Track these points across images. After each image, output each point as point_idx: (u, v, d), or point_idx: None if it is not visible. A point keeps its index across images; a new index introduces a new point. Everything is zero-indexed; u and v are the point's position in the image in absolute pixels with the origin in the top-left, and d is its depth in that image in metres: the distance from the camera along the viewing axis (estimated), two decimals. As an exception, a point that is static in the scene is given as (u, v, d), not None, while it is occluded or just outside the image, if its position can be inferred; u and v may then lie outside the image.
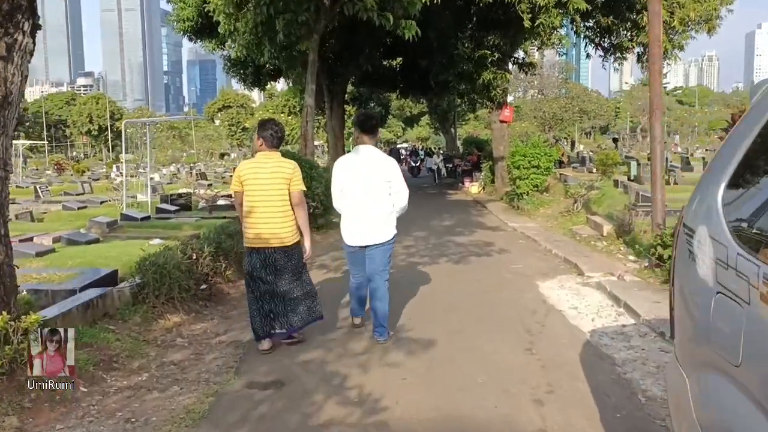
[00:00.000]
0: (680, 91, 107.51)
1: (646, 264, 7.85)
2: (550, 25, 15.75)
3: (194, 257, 7.02)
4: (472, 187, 21.76)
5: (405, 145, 61.08)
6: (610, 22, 17.06)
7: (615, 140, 25.83)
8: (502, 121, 18.87)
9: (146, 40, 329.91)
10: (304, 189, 5.25)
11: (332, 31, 17.42)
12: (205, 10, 16.50)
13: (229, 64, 24.54)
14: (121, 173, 32.31)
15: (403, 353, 5.09)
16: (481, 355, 5.00)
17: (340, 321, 6.10)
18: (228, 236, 8.01)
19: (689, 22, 16.21)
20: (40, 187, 20.96)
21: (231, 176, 28.77)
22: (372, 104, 36.27)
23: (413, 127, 67.04)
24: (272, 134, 5.15)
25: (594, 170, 20.82)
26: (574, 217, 12.23)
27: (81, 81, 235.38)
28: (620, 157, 19.98)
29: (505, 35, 17.45)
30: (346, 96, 27.57)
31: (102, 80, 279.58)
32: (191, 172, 29.91)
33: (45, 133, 71.01)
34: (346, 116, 29.64)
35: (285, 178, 5.04)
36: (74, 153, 73.51)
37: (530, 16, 15.11)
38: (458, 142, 39.52)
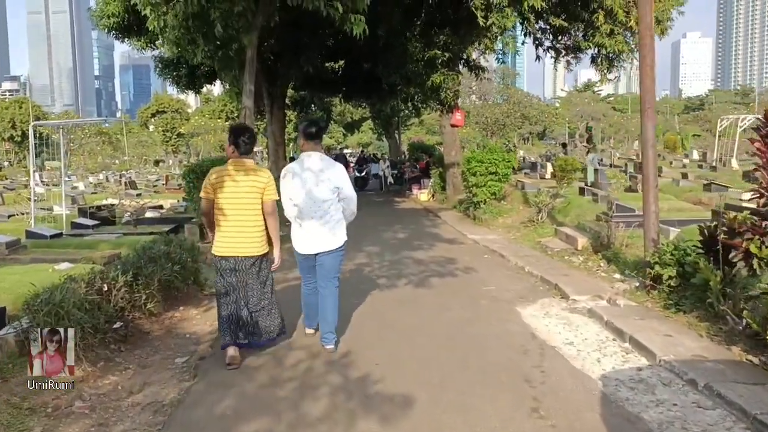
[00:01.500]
0: (612, 98, 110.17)
1: (637, 284, 6.92)
2: (502, 26, 14.91)
3: (105, 289, 5.68)
4: (422, 195, 20.79)
5: (348, 150, 59.53)
6: (560, 23, 16.28)
7: (564, 145, 25.36)
8: (453, 125, 17.95)
9: (75, 43, 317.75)
10: (278, 198, 5.12)
11: (272, 29, 16.12)
12: (132, 3, 14.97)
13: (161, 65, 22.99)
14: (42, 182, 29.97)
15: (375, 420, 3.91)
16: (477, 421, 3.86)
17: (289, 370, 4.89)
18: (150, 260, 6.65)
19: (646, 23, 15.61)
20: (-57, 201, 18.78)
21: (164, 185, 27.20)
22: (314, 108, 34.93)
23: (354, 133, 65.89)
24: (244, 141, 5.03)
25: (546, 176, 20.19)
26: (539, 229, 11.30)
27: (6, 85, 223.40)
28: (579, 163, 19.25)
29: (456, 34, 16.56)
30: (287, 100, 26.19)
31: (28, 84, 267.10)
32: (120, 181, 27.82)
33: (-36, 140, 66.53)
34: (286, 121, 28.23)
35: (259, 188, 4.96)
36: (-4, 160, 69.08)
37: (484, 14, 14.28)
38: (403, 148, 38.60)
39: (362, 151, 42.10)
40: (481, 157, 13.75)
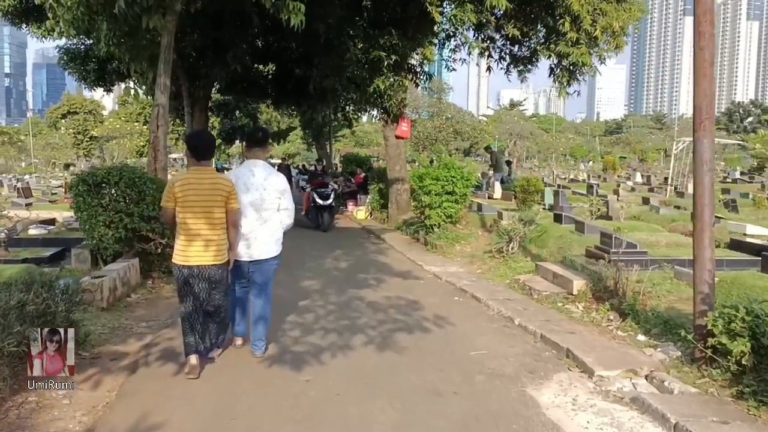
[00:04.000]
0: (535, 118, 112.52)
1: (678, 353, 5.19)
2: (461, 21, 13.24)
3: None
4: (358, 212, 18.84)
5: (274, 161, 56.66)
6: (515, 33, 14.64)
7: (509, 163, 24.08)
8: (398, 137, 16.11)
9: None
10: (239, 207, 4.98)
11: (195, 19, 13.88)
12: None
13: (66, 57, 20.32)
14: None
15: None
16: None
17: None
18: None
19: (612, 33, 14.32)
20: None
21: (64, 192, 23.95)
22: (239, 114, 32.41)
23: (280, 143, 63.29)
24: (204, 146, 4.99)
25: (495, 195, 18.66)
26: (511, 262, 9.47)
27: None
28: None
29: (404, 35, 14.80)
30: (210, 104, 23.71)
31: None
32: (15, 186, 24.34)
33: None
34: (210, 127, 25.67)
35: (223, 196, 4.83)
36: None
37: (440, 9, 12.71)
38: (335, 159, 36.56)
39: (319, 162, 27.32)
40: (437, 173, 11.90)
